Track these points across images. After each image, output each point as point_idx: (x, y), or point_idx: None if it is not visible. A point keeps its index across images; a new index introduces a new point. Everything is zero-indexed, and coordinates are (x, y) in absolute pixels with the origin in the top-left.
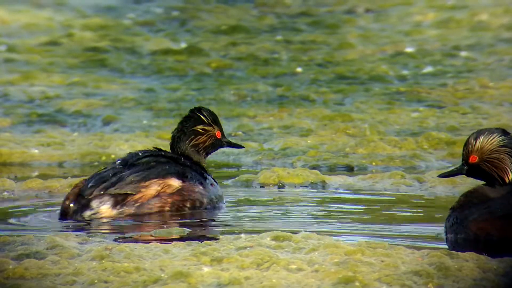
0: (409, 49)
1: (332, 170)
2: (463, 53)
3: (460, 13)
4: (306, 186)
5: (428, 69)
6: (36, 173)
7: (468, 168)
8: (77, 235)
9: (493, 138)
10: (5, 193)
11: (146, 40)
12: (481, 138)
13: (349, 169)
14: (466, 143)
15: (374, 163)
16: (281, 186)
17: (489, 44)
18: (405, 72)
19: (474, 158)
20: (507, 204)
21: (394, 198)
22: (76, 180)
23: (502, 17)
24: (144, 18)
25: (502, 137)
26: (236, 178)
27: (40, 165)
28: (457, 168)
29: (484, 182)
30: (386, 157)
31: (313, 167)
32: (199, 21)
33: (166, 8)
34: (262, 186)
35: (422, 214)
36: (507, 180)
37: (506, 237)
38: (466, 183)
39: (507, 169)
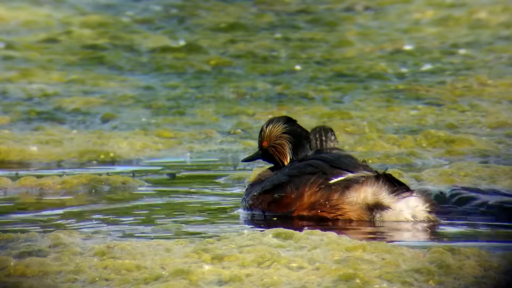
0: (407, 47)
1: None
2: (462, 51)
3: (459, 11)
4: None
5: (427, 66)
6: (34, 171)
7: (262, 152)
8: (80, 232)
9: (278, 125)
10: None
11: (145, 38)
12: (270, 125)
13: None
14: (261, 130)
15: (370, 161)
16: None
17: (487, 42)
18: (403, 69)
19: (265, 143)
20: (270, 181)
21: None
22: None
23: (500, 15)
24: (143, 16)
25: (285, 125)
26: (229, 175)
27: (38, 163)
28: (256, 152)
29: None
30: (383, 154)
31: None
32: (198, 18)
33: (165, 5)
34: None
35: None
36: (286, 163)
37: (268, 209)
38: (464, 182)
39: (286, 154)
